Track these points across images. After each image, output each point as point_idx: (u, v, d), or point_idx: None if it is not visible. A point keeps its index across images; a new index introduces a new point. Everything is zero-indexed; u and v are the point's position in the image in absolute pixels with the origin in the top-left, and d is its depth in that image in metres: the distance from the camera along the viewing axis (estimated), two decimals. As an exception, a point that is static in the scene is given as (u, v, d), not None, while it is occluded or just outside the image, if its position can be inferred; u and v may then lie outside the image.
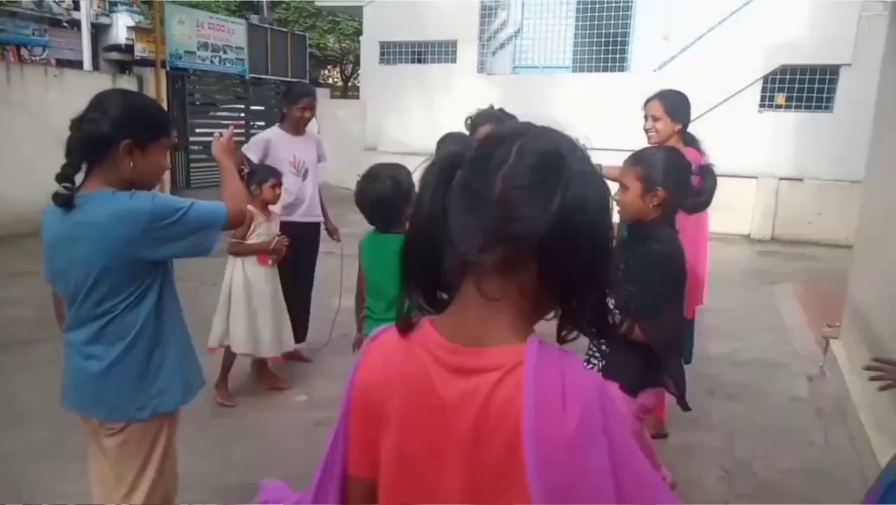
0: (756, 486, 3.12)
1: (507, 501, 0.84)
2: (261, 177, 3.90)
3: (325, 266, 4.74)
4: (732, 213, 9.79)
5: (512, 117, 3.48)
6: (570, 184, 0.84)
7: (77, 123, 1.78)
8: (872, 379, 1.92)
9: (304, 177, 4.41)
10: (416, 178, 1.03)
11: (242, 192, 2.11)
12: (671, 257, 2.19)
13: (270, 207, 3.93)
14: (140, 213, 1.75)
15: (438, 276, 0.92)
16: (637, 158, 2.38)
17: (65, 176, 1.75)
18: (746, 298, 6.44)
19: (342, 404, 0.99)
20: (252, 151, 4.25)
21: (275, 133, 4.38)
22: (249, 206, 3.71)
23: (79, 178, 1.82)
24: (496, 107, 3.64)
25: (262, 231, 3.85)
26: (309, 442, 3.42)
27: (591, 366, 2.41)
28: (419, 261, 0.93)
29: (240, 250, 3.79)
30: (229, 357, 3.85)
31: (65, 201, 1.75)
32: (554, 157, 0.86)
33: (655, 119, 3.46)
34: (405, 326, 0.94)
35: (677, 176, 2.26)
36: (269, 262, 3.88)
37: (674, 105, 3.45)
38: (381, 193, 2.54)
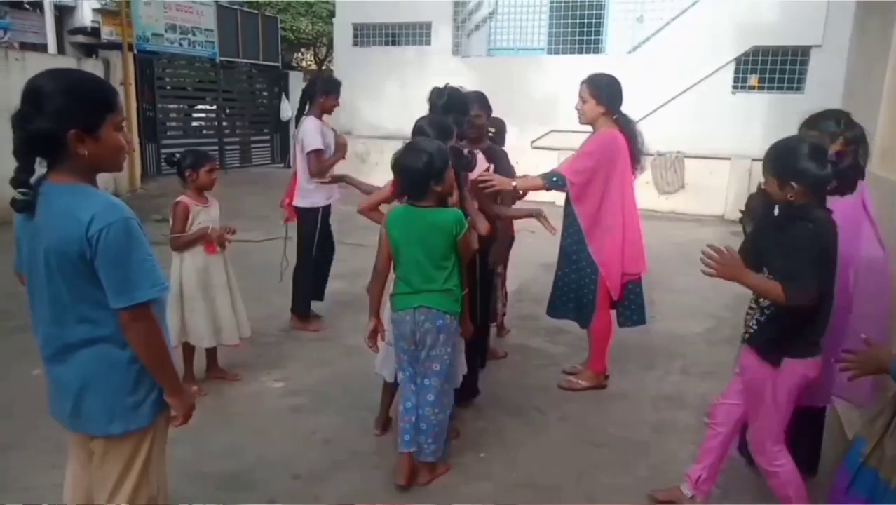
0: (730, 460, 3.17)
1: None
2: (194, 161, 3.60)
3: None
4: (706, 194, 9.91)
5: (459, 92, 3.49)
6: None
7: (16, 120, 1.60)
8: (843, 371, 1.96)
9: None
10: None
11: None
12: (818, 236, 2.27)
13: (206, 193, 3.70)
14: (118, 206, 1.65)
15: None
16: None
17: (20, 181, 1.64)
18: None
19: None
20: (318, 142, 4.40)
21: (318, 122, 4.53)
22: (184, 198, 3.61)
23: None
24: (465, 88, 3.62)
25: (203, 218, 3.61)
26: (285, 428, 3.41)
27: (751, 319, 2.48)
28: None
29: (182, 242, 3.57)
30: (189, 352, 3.74)
31: (24, 207, 1.65)
32: None
33: (583, 101, 3.63)
34: None
35: None
36: (217, 250, 3.67)
37: (598, 89, 3.60)
38: (413, 166, 2.66)
